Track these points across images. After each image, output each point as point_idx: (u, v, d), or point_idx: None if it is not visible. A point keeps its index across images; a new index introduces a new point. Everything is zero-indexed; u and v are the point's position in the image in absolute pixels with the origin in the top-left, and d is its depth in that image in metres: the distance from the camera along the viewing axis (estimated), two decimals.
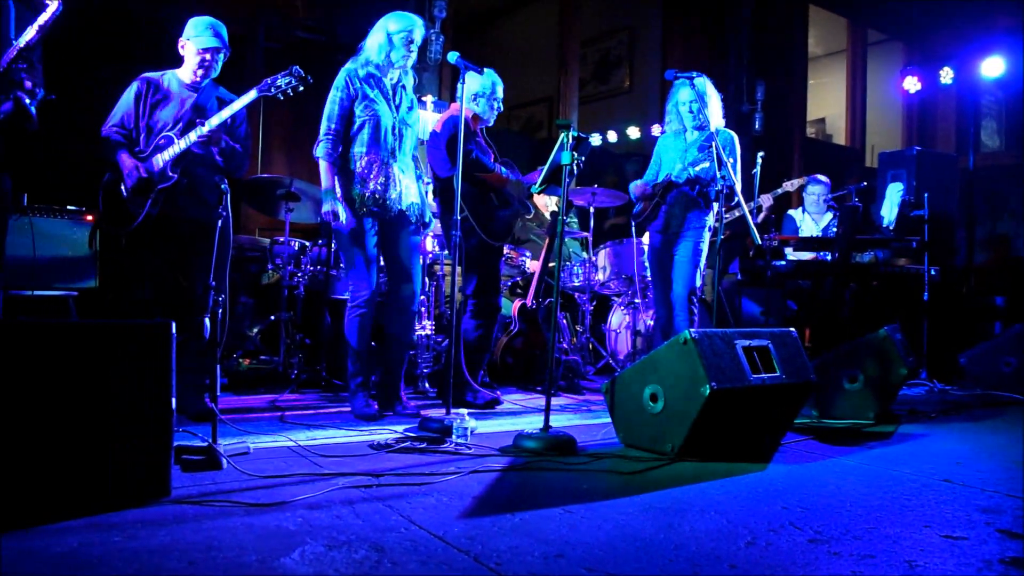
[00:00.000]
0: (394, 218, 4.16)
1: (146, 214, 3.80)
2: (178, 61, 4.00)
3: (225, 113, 3.83)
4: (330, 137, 4.06)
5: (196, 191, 3.93)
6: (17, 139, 3.42)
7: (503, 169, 4.75)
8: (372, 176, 4.07)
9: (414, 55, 4.17)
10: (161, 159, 3.80)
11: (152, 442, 2.39)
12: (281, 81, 3.82)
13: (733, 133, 4.96)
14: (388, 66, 4.13)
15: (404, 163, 4.20)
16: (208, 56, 3.92)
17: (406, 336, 4.31)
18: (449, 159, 4.48)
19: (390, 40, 4.08)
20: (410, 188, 4.24)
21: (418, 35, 4.13)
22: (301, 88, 3.84)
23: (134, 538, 2.03)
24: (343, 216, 4.00)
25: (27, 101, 3.34)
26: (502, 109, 4.82)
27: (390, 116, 4.11)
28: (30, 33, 3.32)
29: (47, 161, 5.21)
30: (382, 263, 4.43)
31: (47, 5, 3.33)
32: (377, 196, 4.06)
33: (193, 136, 3.79)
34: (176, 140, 3.80)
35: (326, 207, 4.03)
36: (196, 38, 3.91)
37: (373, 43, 4.12)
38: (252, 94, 3.84)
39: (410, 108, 4.25)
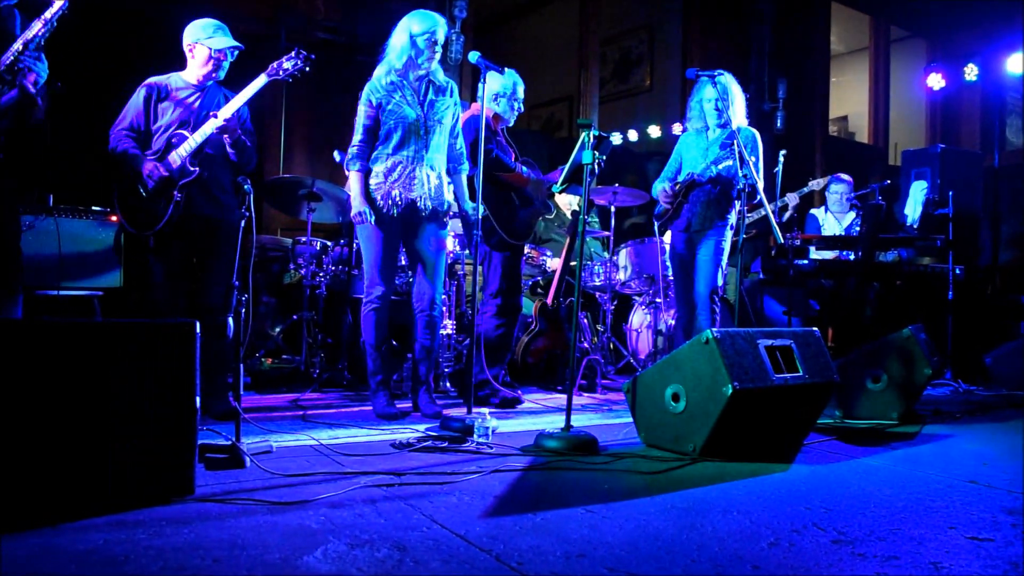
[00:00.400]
0: (419, 219, 4.16)
1: (171, 212, 3.84)
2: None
3: (238, 100, 3.91)
4: (355, 149, 4.14)
5: (210, 189, 3.98)
6: (23, 127, 3.47)
7: (524, 169, 4.75)
8: (397, 178, 4.08)
9: (439, 55, 4.17)
10: (178, 155, 3.83)
11: (176, 441, 2.40)
12: (287, 64, 3.93)
13: (755, 131, 4.92)
14: (413, 67, 4.12)
15: (433, 161, 4.18)
16: (223, 56, 3.98)
17: (429, 340, 4.27)
18: (470, 159, 4.49)
19: (413, 42, 4.08)
20: (441, 186, 4.22)
21: (441, 34, 4.13)
22: (307, 69, 3.95)
23: (159, 535, 2.05)
24: (370, 217, 4.04)
25: (32, 90, 3.39)
26: (523, 110, 4.82)
27: (415, 115, 4.10)
28: (36, 26, 3.38)
29: (71, 162, 5.26)
30: (403, 262, 4.44)
31: (52, 2, 3.38)
32: (400, 198, 4.07)
33: (209, 127, 3.83)
34: (190, 135, 3.84)
35: (355, 209, 4.09)
36: (209, 39, 3.96)
37: (396, 44, 4.11)
38: (262, 79, 3.94)
39: (434, 101, 4.19)
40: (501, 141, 4.75)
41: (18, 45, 3.36)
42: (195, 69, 4.01)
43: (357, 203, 4.07)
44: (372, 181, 4.11)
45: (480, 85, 3.95)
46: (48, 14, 3.39)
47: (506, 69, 4.49)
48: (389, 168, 4.09)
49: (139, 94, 3.96)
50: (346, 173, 4.17)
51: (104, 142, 3.97)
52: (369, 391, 4.23)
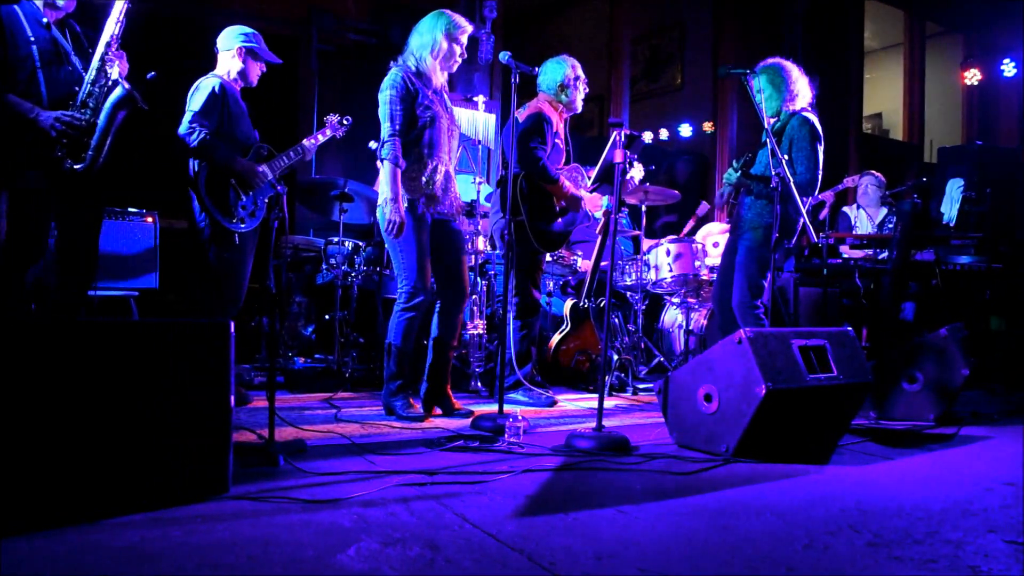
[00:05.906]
0: (447, 220, 4.14)
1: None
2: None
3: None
4: (395, 138, 3.89)
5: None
6: (133, 122, 3.52)
7: (566, 183, 4.70)
8: (434, 178, 4.01)
9: (461, 58, 4.14)
10: (268, 170, 4.03)
11: (212, 439, 2.43)
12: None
13: (807, 116, 4.68)
14: (442, 68, 4.09)
15: (455, 165, 4.19)
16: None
17: (452, 338, 4.18)
18: (521, 156, 4.47)
19: (448, 37, 4.03)
20: (460, 189, 4.24)
21: (464, 37, 4.09)
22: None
23: (194, 533, 2.07)
24: (403, 227, 3.89)
25: (127, 86, 3.45)
26: (587, 89, 4.93)
27: (445, 117, 4.08)
28: (110, 27, 3.44)
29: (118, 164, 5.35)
30: None
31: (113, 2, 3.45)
32: (436, 198, 4.03)
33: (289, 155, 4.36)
34: (277, 153, 4.07)
35: (390, 216, 3.86)
36: (260, 50, 4.06)
37: (424, 43, 4.02)
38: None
39: (451, 111, 4.19)
40: (558, 144, 4.72)
41: (99, 54, 3.42)
42: (240, 74, 4.17)
43: (392, 210, 3.85)
44: (408, 184, 3.96)
45: (512, 83, 3.90)
46: (117, 12, 3.44)
47: (564, 55, 4.57)
48: (426, 167, 3.99)
49: (214, 89, 4.22)
50: (378, 163, 3.99)
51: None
52: (385, 392, 4.08)
